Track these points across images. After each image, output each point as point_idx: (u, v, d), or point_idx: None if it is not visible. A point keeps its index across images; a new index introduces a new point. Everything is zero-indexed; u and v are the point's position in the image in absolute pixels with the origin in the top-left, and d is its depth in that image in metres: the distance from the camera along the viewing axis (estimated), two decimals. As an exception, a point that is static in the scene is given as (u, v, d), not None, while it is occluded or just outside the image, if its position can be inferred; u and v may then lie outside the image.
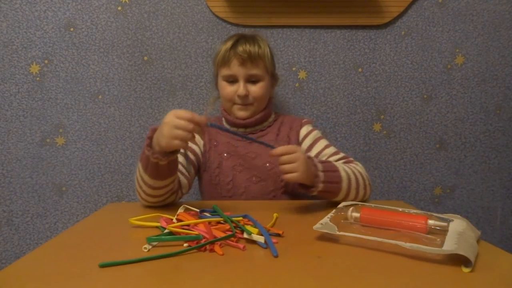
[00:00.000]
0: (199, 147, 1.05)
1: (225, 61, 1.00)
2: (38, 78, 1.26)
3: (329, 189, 0.85)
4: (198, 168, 1.05)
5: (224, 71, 1.02)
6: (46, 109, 1.27)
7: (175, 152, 0.79)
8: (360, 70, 1.32)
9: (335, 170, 0.86)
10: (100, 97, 1.29)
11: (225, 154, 1.03)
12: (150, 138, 0.78)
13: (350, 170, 0.89)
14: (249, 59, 0.98)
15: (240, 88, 1.00)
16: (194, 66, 1.29)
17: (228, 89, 1.02)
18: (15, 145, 1.27)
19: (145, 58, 1.28)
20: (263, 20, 1.27)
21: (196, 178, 1.10)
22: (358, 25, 1.29)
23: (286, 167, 0.80)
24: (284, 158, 0.80)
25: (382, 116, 1.34)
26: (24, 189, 1.29)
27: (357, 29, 1.30)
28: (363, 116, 1.33)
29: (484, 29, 1.30)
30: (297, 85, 1.31)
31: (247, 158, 1.02)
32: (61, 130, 1.29)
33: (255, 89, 1.01)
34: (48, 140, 1.28)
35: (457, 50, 1.31)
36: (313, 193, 0.84)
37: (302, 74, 1.31)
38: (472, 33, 1.31)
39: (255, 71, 1.00)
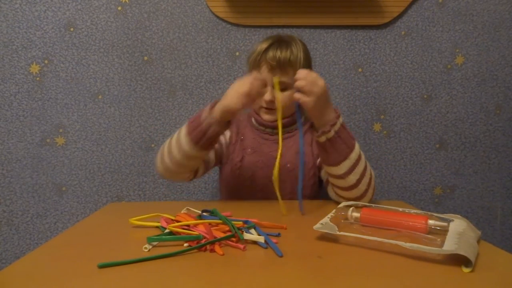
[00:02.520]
0: (225, 138, 1.05)
1: (256, 65, 1.01)
2: (38, 78, 1.26)
3: (337, 145, 0.81)
4: (220, 159, 1.05)
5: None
6: (46, 109, 1.27)
7: (227, 125, 0.84)
8: (360, 70, 1.32)
9: (352, 138, 0.84)
10: (100, 97, 1.29)
11: (249, 150, 1.03)
12: (213, 104, 0.83)
13: (364, 159, 0.86)
14: (278, 67, 0.97)
15: (267, 93, 0.99)
16: (194, 66, 1.29)
17: None
18: (15, 145, 1.27)
19: (145, 58, 1.28)
20: (263, 20, 1.27)
21: (218, 170, 1.11)
22: (358, 25, 1.29)
23: (301, 85, 0.78)
24: (303, 82, 0.79)
25: (382, 116, 1.34)
26: (24, 189, 1.29)
27: (357, 29, 1.30)
28: (363, 116, 1.33)
29: (484, 29, 1.30)
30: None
31: (269, 156, 1.01)
32: (61, 130, 1.29)
33: (282, 97, 0.98)
34: (48, 140, 1.28)
35: (457, 50, 1.31)
36: (320, 137, 0.81)
37: (302, 74, 1.31)
38: (472, 33, 1.31)
39: (283, 79, 0.97)
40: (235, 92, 0.80)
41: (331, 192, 0.94)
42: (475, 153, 1.35)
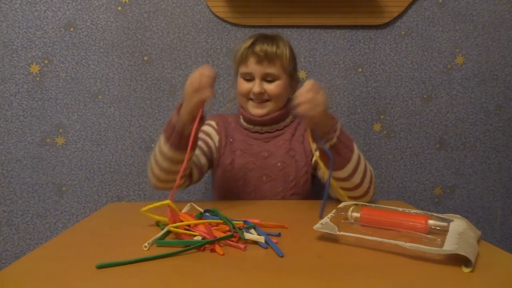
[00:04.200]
0: (214, 142, 1.05)
1: (243, 59, 1.02)
2: (38, 78, 1.26)
3: (340, 150, 0.82)
4: (211, 163, 1.06)
5: (242, 69, 1.03)
6: (46, 109, 1.27)
7: (201, 120, 0.82)
8: (360, 70, 1.32)
9: (351, 139, 0.85)
10: (100, 97, 1.29)
11: (239, 151, 1.03)
12: (179, 107, 0.83)
13: (363, 158, 0.88)
14: (266, 58, 1.00)
15: (255, 85, 1.01)
16: (194, 66, 1.29)
17: (244, 86, 1.03)
18: (15, 145, 1.27)
19: (145, 58, 1.28)
20: (263, 20, 1.27)
21: (210, 174, 1.12)
22: (358, 25, 1.29)
23: (308, 103, 0.78)
24: (308, 96, 0.78)
25: (382, 116, 1.34)
26: (24, 189, 1.29)
27: (357, 29, 1.30)
28: (363, 116, 1.33)
29: (484, 29, 1.31)
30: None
31: (259, 157, 1.03)
32: (61, 130, 1.29)
33: (271, 87, 1.02)
34: (48, 140, 1.28)
35: (457, 50, 1.31)
36: (327, 142, 0.81)
37: (302, 74, 1.31)
38: (472, 33, 1.31)
39: (271, 70, 1.01)
40: (189, 90, 0.79)
41: (334, 192, 0.94)
42: (475, 153, 1.35)
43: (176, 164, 0.85)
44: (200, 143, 1.02)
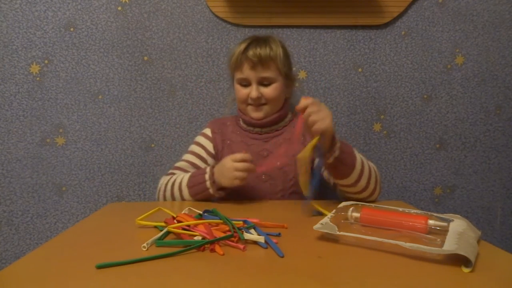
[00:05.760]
0: (209, 153, 1.09)
1: (237, 65, 1.04)
2: (38, 78, 1.26)
3: (344, 160, 0.83)
4: None
5: (238, 75, 1.05)
6: (46, 109, 1.27)
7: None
8: (360, 70, 1.32)
9: (350, 146, 0.87)
10: (100, 97, 1.29)
11: (237, 153, 1.04)
12: (212, 176, 0.93)
13: (364, 159, 0.89)
14: (260, 63, 1.01)
15: (252, 91, 1.02)
16: (194, 66, 1.29)
17: (241, 92, 1.05)
18: (15, 145, 1.27)
19: (145, 58, 1.28)
20: (263, 20, 1.27)
21: None
22: (358, 25, 1.29)
23: (315, 116, 0.79)
24: (313, 109, 0.79)
25: (382, 116, 1.34)
26: (24, 189, 1.29)
27: (357, 29, 1.30)
28: (363, 116, 1.33)
29: (484, 29, 1.30)
30: (297, 85, 1.31)
31: (259, 156, 1.03)
32: (61, 130, 1.29)
33: (267, 91, 1.03)
34: (48, 140, 1.28)
35: (457, 50, 1.31)
36: (329, 158, 0.82)
37: (302, 74, 1.31)
38: (472, 33, 1.31)
39: (266, 74, 1.02)
40: (230, 176, 0.89)
41: (341, 194, 0.95)
42: (475, 153, 1.35)
43: (187, 200, 0.97)
44: (196, 160, 1.08)
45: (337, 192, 0.98)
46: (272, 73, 1.03)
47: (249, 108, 1.06)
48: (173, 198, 0.98)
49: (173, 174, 1.04)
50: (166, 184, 1.00)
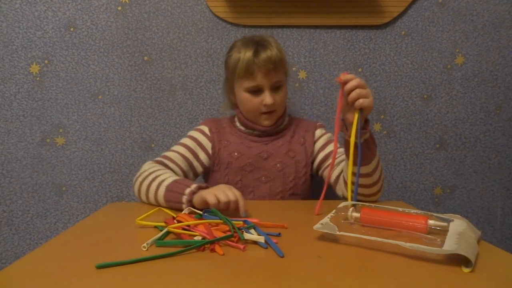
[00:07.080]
0: (205, 152, 1.05)
1: (248, 73, 0.96)
2: (38, 78, 1.26)
3: (370, 145, 0.82)
4: (208, 170, 1.07)
5: (248, 83, 0.98)
6: (46, 109, 1.27)
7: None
8: (360, 70, 1.32)
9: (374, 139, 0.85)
10: (100, 97, 1.29)
11: (236, 154, 1.03)
12: (192, 195, 0.81)
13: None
14: (274, 68, 0.96)
15: (266, 97, 0.97)
16: (194, 66, 1.29)
17: (253, 101, 0.99)
18: (15, 145, 1.27)
19: (145, 58, 1.28)
20: (263, 20, 1.27)
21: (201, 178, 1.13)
22: (358, 25, 1.29)
23: (360, 91, 0.75)
24: (357, 83, 0.76)
25: (382, 116, 1.34)
26: (24, 189, 1.29)
27: (357, 29, 1.30)
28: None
29: (484, 29, 1.30)
30: (297, 85, 1.31)
31: (258, 158, 1.02)
32: (61, 130, 1.29)
33: (279, 97, 1.00)
34: (48, 140, 1.28)
35: (457, 50, 1.31)
36: (363, 136, 0.80)
37: (302, 74, 1.31)
38: (472, 33, 1.31)
39: (278, 78, 0.98)
40: (219, 191, 0.78)
41: (342, 190, 0.94)
42: (475, 153, 1.35)
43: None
44: (187, 153, 1.02)
45: (337, 191, 0.98)
46: (281, 76, 1.00)
47: (263, 116, 1.00)
48: (147, 198, 0.91)
49: (161, 163, 0.98)
50: (149, 175, 0.91)
